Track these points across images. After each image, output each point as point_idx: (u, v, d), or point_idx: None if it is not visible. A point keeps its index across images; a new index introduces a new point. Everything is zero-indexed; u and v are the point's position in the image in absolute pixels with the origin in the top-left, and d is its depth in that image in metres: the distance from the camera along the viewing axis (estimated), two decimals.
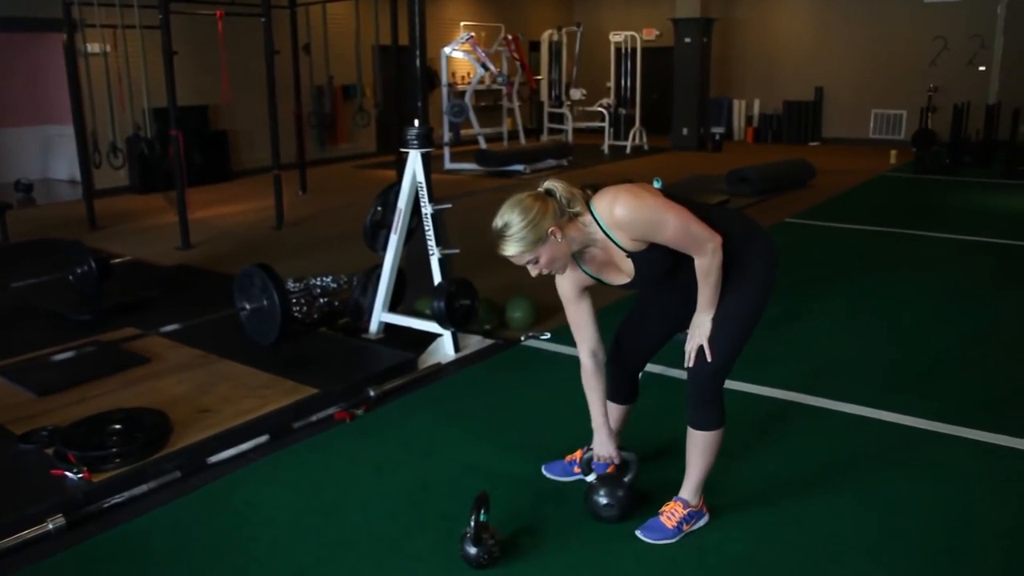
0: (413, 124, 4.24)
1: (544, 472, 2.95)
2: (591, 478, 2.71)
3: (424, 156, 4.19)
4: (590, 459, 2.73)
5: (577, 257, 2.40)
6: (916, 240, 6.97)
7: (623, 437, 2.87)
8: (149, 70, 7.57)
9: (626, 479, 2.68)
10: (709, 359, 2.40)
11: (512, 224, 2.24)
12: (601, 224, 2.28)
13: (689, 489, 2.60)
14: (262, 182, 9.33)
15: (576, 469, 2.77)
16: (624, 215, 2.23)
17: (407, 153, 4.22)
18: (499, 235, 2.27)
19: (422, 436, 3.36)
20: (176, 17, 7.17)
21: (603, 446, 2.67)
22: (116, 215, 8.60)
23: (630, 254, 2.32)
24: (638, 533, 2.58)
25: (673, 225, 2.23)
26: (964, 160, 11.43)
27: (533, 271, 2.33)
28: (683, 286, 2.44)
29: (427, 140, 4.21)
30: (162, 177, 9.40)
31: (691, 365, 2.45)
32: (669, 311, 2.67)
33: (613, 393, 2.77)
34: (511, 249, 2.26)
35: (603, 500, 2.64)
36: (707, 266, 2.32)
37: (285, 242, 7.20)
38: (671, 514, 2.58)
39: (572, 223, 2.29)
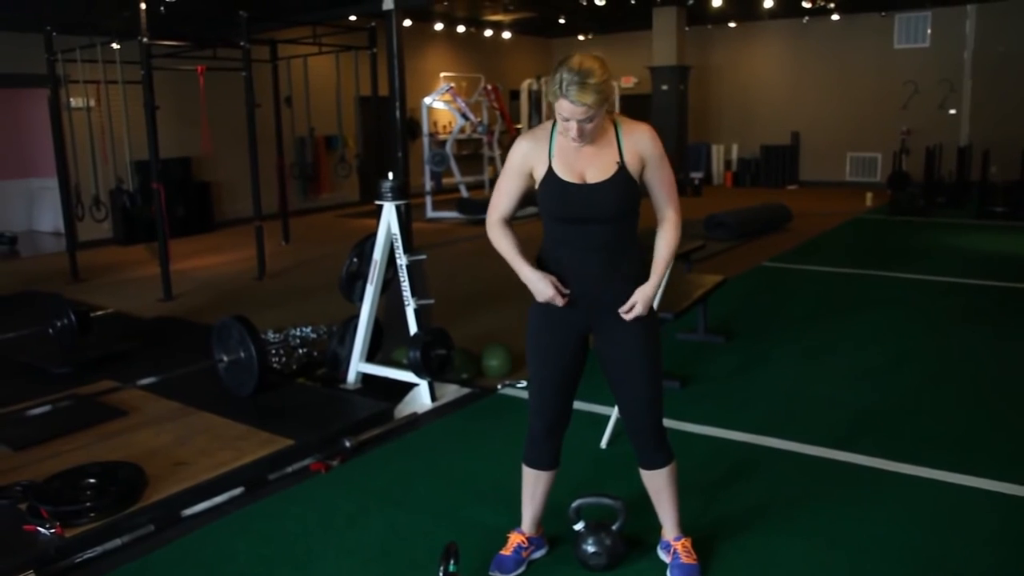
0: (387, 177, 4.33)
1: (495, 574, 2.68)
2: (579, 526, 2.73)
3: (398, 208, 4.28)
4: (578, 508, 2.75)
5: (553, 141, 2.41)
6: (889, 281, 7.09)
7: (614, 486, 2.90)
8: (132, 124, 7.68)
9: (614, 527, 2.71)
10: (640, 311, 2.42)
11: (594, 72, 2.21)
12: (619, 127, 2.40)
13: (679, 523, 2.68)
14: (245, 233, 9.41)
15: (525, 553, 2.72)
16: (649, 130, 2.41)
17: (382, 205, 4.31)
18: (577, 80, 2.19)
19: (396, 486, 3.39)
20: (159, 72, 7.31)
21: (537, 278, 2.46)
22: (99, 267, 8.64)
23: (620, 166, 2.37)
24: None
25: (670, 170, 2.46)
26: (938, 201, 11.65)
27: (576, 132, 2.28)
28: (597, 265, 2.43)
29: (401, 192, 4.30)
30: (145, 229, 9.47)
31: (629, 316, 2.42)
32: (568, 362, 2.55)
33: (551, 461, 2.69)
34: (590, 97, 2.20)
35: (591, 548, 2.67)
36: (675, 223, 2.48)
37: (267, 292, 7.25)
38: (688, 552, 2.64)
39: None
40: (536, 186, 2.45)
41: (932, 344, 5.22)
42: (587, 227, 2.40)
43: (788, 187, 15.04)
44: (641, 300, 2.42)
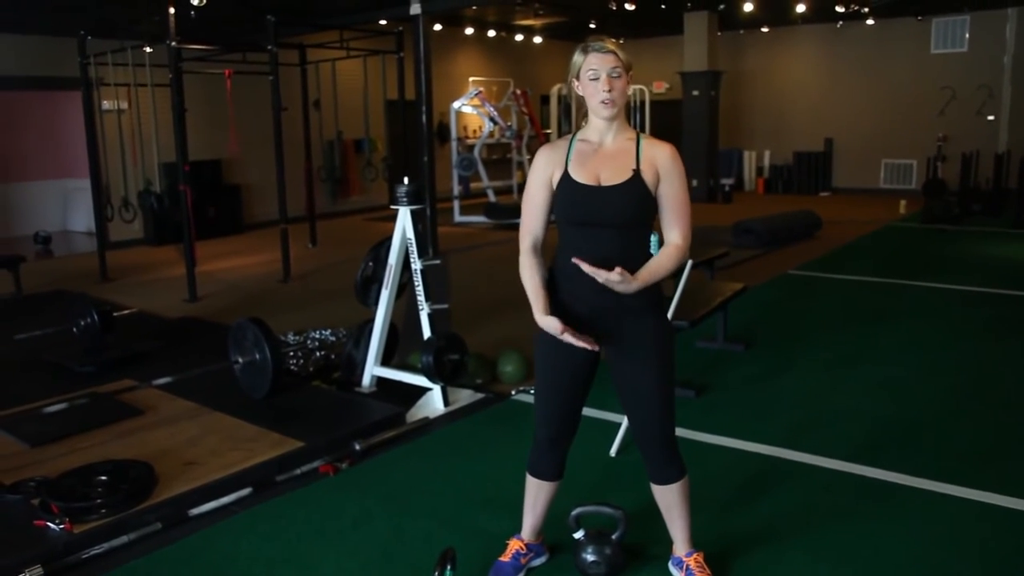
0: (403, 181, 4.34)
1: None
2: (579, 535, 2.70)
3: (413, 213, 4.28)
4: (578, 516, 2.72)
5: (571, 148, 2.45)
6: (919, 291, 6.95)
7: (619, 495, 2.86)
8: (161, 126, 7.78)
9: (614, 536, 2.67)
10: (613, 278, 2.26)
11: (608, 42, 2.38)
12: (640, 140, 2.43)
13: (690, 539, 2.64)
14: (273, 235, 9.45)
15: (523, 560, 2.70)
16: (671, 149, 2.43)
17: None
18: (599, 42, 2.36)
19: (403, 490, 3.38)
20: (187, 76, 7.39)
21: (548, 318, 2.37)
22: (129, 267, 8.77)
23: (635, 172, 2.37)
24: None
25: (686, 194, 2.44)
26: (973, 209, 11.41)
27: (606, 84, 2.34)
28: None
29: (416, 197, 4.30)
30: (175, 230, 9.55)
31: (600, 273, 2.26)
32: (575, 371, 2.51)
33: (555, 471, 2.66)
34: (613, 46, 2.35)
35: (590, 557, 2.64)
36: (677, 248, 2.42)
37: (291, 295, 7.30)
38: (701, 567, 2.60)
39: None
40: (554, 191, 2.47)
41: (958, 356, 5.09)
42: (598, 232, 2.38)
43: (821, 194, 14.84)
44: (622, 275, 2.25)
